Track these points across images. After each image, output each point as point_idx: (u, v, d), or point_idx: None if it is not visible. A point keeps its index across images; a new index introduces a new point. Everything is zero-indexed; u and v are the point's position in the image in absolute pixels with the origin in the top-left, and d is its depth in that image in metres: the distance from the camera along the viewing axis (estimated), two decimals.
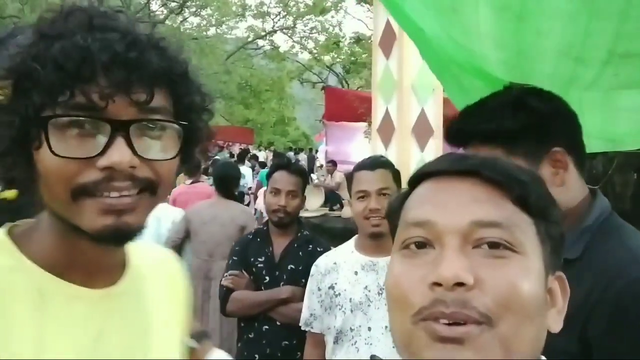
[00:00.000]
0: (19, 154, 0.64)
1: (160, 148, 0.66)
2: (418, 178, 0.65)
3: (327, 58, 20.81)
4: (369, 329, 1.88)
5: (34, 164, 0.65)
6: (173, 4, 18.60)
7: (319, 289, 1.97)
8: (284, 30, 20.31)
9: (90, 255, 0.69)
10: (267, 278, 2.27)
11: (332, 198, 8.60)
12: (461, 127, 1.20)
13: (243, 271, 2.29)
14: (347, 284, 1.93)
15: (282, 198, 2.25)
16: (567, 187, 1.14)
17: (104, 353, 0.68)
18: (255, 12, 19.46)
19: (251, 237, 2.42)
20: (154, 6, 18.96)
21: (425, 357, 0.56)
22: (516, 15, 1.38)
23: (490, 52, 1.65)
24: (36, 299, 0.65)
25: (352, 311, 1.89)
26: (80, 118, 0.62)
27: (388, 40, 3.87)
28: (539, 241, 0.59)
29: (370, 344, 1.87)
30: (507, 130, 1.13)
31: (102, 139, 0.62)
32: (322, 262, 2.00)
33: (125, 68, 0.61)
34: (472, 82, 2.08)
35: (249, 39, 19.83)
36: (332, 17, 19.96)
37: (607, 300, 0.96)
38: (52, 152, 0.61)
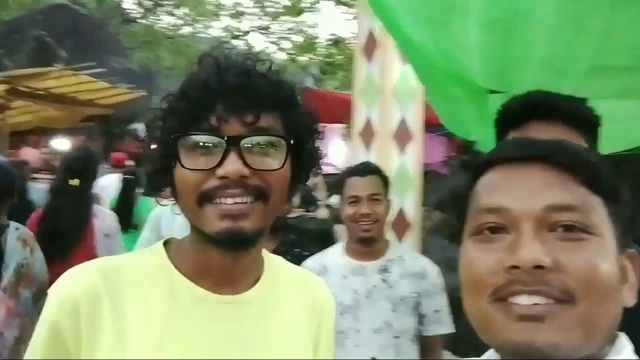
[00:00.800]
0: (163, 174, 0.80)
1: (268, 161, 0.76)
2: (484, 165, 0.66)
3: (302, 59, 20.83)
4: (358, 331, 1.92)
5: (173, 181, 0.79)
6: (147, 2, 18.38)
7: None
8: (260, 31, 20.24)
9: (219, 262, 0.79)
10: None
11: (308, 199, 8.63)
12: (546, 101, 1.18)
13: None
14: (336, 287, 1.97)
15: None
16: None
17: (216, 353, 0.77)
18: (233, 11, 19.36)
19: None
20: (128, 4, 18.70)
21: (504, 336, 0.57)
22: (504, 29, 1.44)
23: (476, 63, 1.71)
24: (167, 296, 0.77)
25: (341, 314, 1.94)
26: (201, 136, 0.75)
27: (370, 46, 3.91)
28: (611, 222, 0.60)
29: (359, 346, 1.92)
30: (587, 116, 1.17)
31: (219, 154, 0.75)
32: (311, 265, 2.03)
33: (236, 95, 0.75)
34: (454, 89, 2.14)
35: (224, 39, 19.72)
36: (309, 18, 19.96)
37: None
38: (182, 165, 0.75)
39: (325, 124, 11.77)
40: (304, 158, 0.82)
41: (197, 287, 0.79)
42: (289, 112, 0.79)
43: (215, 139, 0.75)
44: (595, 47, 1.43)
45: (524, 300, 0.56)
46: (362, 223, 1.93)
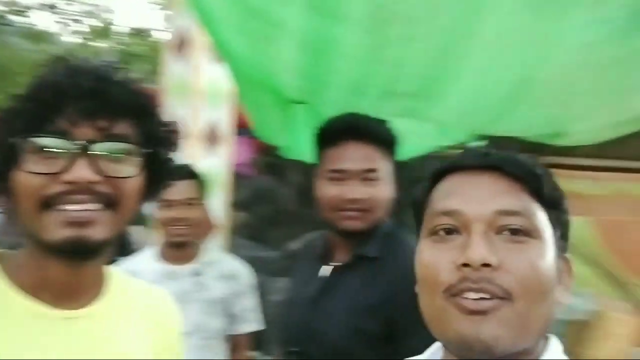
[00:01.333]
0: (1, 178, 0.74)
1: (121, 168, 0.74)
2: (441, 173, 0.72)
3: (96, 44, 19.18)
4: None
5: (12, 186, 0.73)
6: None
7: None
8: (45, 9, 18.07)
9: (59, 274, 0.74)
10: None
11: None
12: (360, 124, 1.34)
13: None
14: None
15: None
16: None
17: None
18: None
19: None
20: None
21: (453, 328, 0.62)
22: (317, 51, 1.60)
23: (289, 77, 1.85)
24: (3, 318, 0.72)
25: None
26: (48, 139, 0.71)
27: (182, 44, 3.85)
28: (551, 227, 0.66)
29: None
30: (391, 140, 1.36)
31: (67, 158, 0.71)
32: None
33: (89, 99, 0.72)
34: (265, 97, 2.27)
35: (2, 13, 17.15)
36: (104, 2, 18.44)
37: (404, 289, 1.19)
38: (23, 169, 0.70)
39: None
40: (159, 169, 0.81)
41: (34, 303, 0.74)
42: (145, 121, 0.78)
43: (64, 143, 0.71)
44: (388, 75, 1.67)
45: (472, 296, 0.62)
46: (174, 227, 1.92)
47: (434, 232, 0.68)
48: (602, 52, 1.60)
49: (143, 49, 17.21)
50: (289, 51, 1.61)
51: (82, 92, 0.72)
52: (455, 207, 0.66)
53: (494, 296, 0.61)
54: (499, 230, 0.64)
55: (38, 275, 0.75)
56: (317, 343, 1.29)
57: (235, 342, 2.09)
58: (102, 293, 0.81)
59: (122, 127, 0.75)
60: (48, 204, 0.71)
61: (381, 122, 1.36)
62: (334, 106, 2.23)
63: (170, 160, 0.84)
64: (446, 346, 0.67)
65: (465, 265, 0.62)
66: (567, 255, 0.70)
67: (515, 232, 0.64)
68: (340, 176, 1.31)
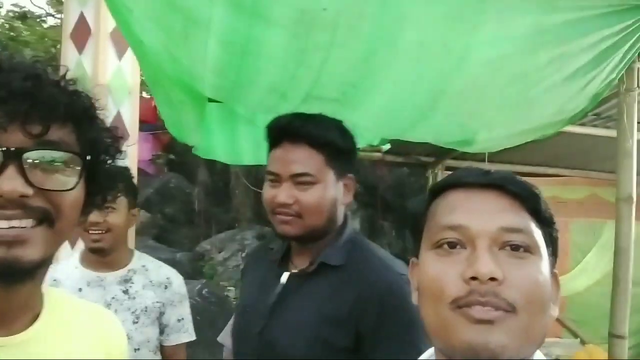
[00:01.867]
0: None
1: (58, 179, 0.66)
2: (442, 188, 0.74)
3: None
4: None
5: None
6: None
7: None
8: None
9: None
10: None
11: None
12: (295, 125, 1.27)
13: None
14: None
15: None
16: (346, 207, 1.34)
17: None
18: None
19: None
20: None
21: (461, 337, 0.64)
22: (239, 51, 1.56)
23: (209, 77, 1.79)
24: None
25: None
26: None
27: (81, 34, 3.60)
28: (547, 245, 0.70)
29: None
30: (335, 144, 1.27)
31: None
32: None
33: (20, 101, 0.63)
34: (179, 95, 2.19)
35: None
36: None
37: (372, 300, 1.18)
38: None
39: None
40: (101, 178, 0.73)
41: None
42: (85, 126, 0.70)
43: None
44: (312, 79, 1.68)
45: (478, 308, 0.64)
46: (92, 232, 1.79)
47: (438, 246, 0.70)
48: (507, 67, 1.73)
49: (29, 35, 15.94)
50: (210, 49, 1.56)
51: (11, 92, 0.64)
52: (461, 222, 0.69)
53: (499, 308, 0.64)
54: (502, 246, 0.67)
55: None
56: (274, 353, 1.23)
57: (168, 353, 1.97)
58: (39, 316, 0.73)
59: (60, 133, 0.67)
60: None
61: (325, 124, 1.29)
62: (254, 107, 2.20)
63: (114, 168, 0.77)
64: (450, 356, 0.68)
65: (473, 278, 0.65)
66: (556, 271, 0.73)
67: (516, 248, 0.67)
68: (275, 178, 1.26)
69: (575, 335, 4.09)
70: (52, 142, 0.66)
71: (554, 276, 0.72)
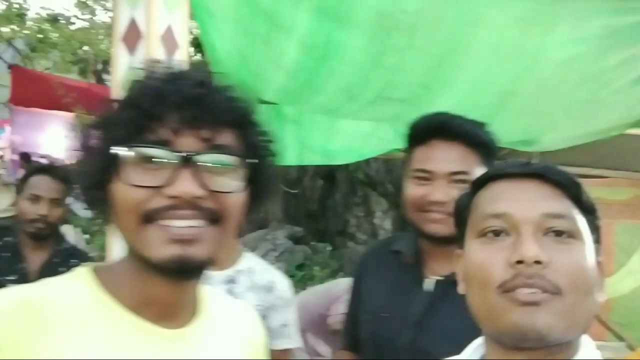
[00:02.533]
0: (99, 189, 0.69)
1: (226, 182, 0.69)
2: (485, 180, 0.76)
3: (4, 30, 17.81)
4: None
5: (111, 198, 0.68)
6: None
7: None
8: None
9: (162, 292, 0.70)
10: None
11: None
12: (453, 123, 1.25)
13: None
14: None
15: (43, 206, 1.95)
16: None
17: None
18: None
19: None
20: None
21: (509, 320, 0.66)
22: (319, 55, 1.60)
23: (279, 79, 1.83)
24: (108, 332, 0.67)
25: None
26: (150, 149, 0.66)
27: (133, 37, 3.69)
28: (590, 232, 0.71)
29: None
30: (490, 145, 1.27)
31: (169, 170, 0.66)
32: None
33: (193, 107, 0.67)
34: None
35: None
36: None
37: None
38: (124, 181, 0.66)
39: (41, 109, 10.28)
40: (263, 180, 0.75)
41: (141, 321, 0.69)
42: (247, 130, 0.73)
43: (167, 154, 0.66)
44: (386, 81, 1.70)
45: (525, 291, 0.66)
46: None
47: (482, 234, 0.72)
48: (578, 69, 1.73)
49: (58, 37, 16.23)
50: (289, 52, 1.60)
51: (185, 99, 0.67)
52: (504, 209, 0.71)
53: (545, 291, 0.66)
54: (545, 232, 0.69)
55: (139, 291, 0.71)
56: None
57: (273, 358, 1.93)
58: (198, 311, 0.77)
59: (226, 137, 0.70)
60: (150, 218, 0.66)
61: (477, 124, 1.27)
62: (315, 108, 2.24)
63: (274, 170, 0.78)
64: (499, 339, 0.70)
65: (519, 262, 0.67)
66: (602, 260, 0.74)
67: (559, 233, 0.69)
68: (427, 176, 1.22)
69: (621, 338, 4.03)
70: (220, 146, 0.69)
71: (599, 264, 0.73)
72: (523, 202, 0.71)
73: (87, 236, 7.30)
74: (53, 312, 0.66)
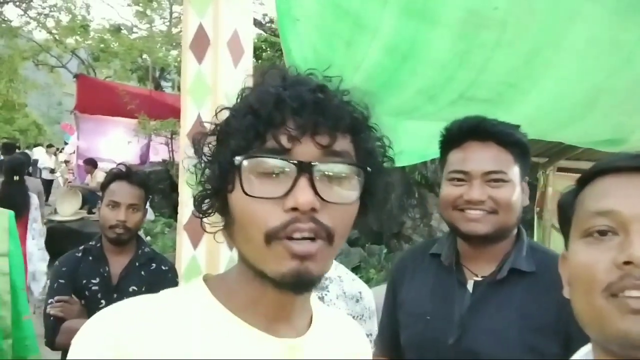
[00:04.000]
0: (216, 198, 0.69)
1: (341, 192, 0.66)
2: (591, 175, 0.70)
3: (69, 41, 18.67)
4: None
5: (229, 208, 0.68)
6: None
7: None
8: (16, 3, 17.53)
9: (277, 303, 0.70)
10: (104, 302, 1.98)
11: (91, 200, 7.82)
12: (486, 125, 1.26)
13: (73, 296, 1.97)
14: None
15: (121, 212, 2.02)
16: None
17: None
18: None
19: (80, 254, 2.06)
20: None
21: (618, 327, 0.61)
22: (402, 56, 1.57)
23: (359, 80, 1.81)
24: (228, 341, 0.67)
25: None
26: (268, 158, 0.64)
27: (201, 44, 3.77)
28: None
29: None
30: (523, 144, 1.27)
31: (288, 180, 0.64)
32: None
33: (311, 112, 0.65)
34: None
35: None
36: None
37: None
38: (244, 192, 0.64)
39: (104, 116, 10.72)
40: (377, 190, 0.72)
41: (253, 329, 0.68)
42: (362, 136, 0.69)
43: (287, 164, 0.64)
44: (470, 80, 1.65)
45: (634, 294, 0.61)
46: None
47: (588, 234, 0.67)
48: None
49: (118, 46, 16.87)
50: (371, 54, 1.58)
51: (304, 104, 0.64)
52: (611, 207, 0.65)
53: None
54: None
55: (252, 301, 0.70)
56: None
57: None
58: (312, 322, 0.76)
59: (342, 144, 0.67)
60: (272, 236, 0.64)
61: (511, 126, 1.29)
62: (388, 111, 2.20)
63: (388, 179, 0.75)
64: (606, 346, 0.66)
65: (627, 263, 0.61)
66: None
67: None
68: (463, 177, 1.25)
69: None
70: (337, 152, 0.66)
71: None
72: (632, 198, 0.65)
73: (148, 238, 7.55)
74: (171, 321, 0.66)
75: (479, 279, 1.27)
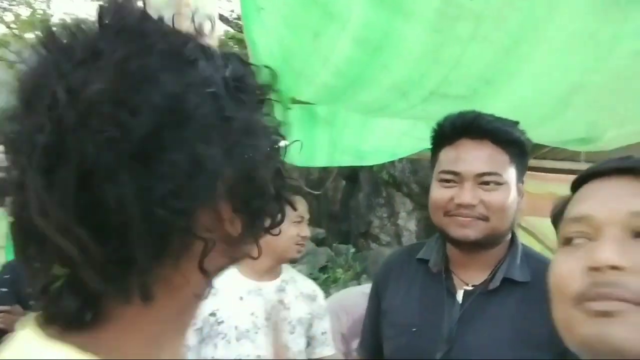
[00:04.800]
0: None
1: None
2: (580, 181, 0.68)
3: (29, 36, 17.97)
4: (258, 356, 1.76)
5: None
6: None
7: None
8: None
9: None
10: None
11: None
12: (482, 121, 1.19)
13: (17, 305, 1.83)
14: (231, 310, 1.77)
15: None
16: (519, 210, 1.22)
17: None
18: None
19: None
20: None
21: (579, 332, 0.59)
22: (373, 49, 1.47)
23: (323, 77, 1.71)
24: None
25: (237, 340, 1.76)
26: None
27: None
28: None
29: None
30: (521, 143, 1.20)
31: None
32: None
33: None
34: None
35: None
36: None
37: None
38: None
39: None
40: None
41: None
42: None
43: None
44: (444, 76, 1.57)
45: (597, 306, 0.58)
46: (299, 244, 1.89)
47: (566, 242, 0.65)
48: None
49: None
50: (340, 47, 1.48)
51: None
52: (586, 212, 0.63)
53: (623, 300, 0.57)
54: (637, 234, 0.60)
55: None
56: None
57: None
58: None
59: None
60: None
61: (509, 123, 1.21)
62: (358, 108, 2.11)
63: None
64: (578, 354, 0.63)
65: (594, 268, 0.59)
66: None
67: None
68: (454, 178, 1.17)
69: None
70: None
71: None
72: (607, 201, 0.62)
73: None
74: None
75: (470, 288, 1.18)
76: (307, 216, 1.92)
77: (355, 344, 2.75)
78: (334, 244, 8.90)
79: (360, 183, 8.84)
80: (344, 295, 3.08)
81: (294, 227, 1.87)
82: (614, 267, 0.58)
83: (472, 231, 1.14)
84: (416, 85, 1.63)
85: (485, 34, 1.41)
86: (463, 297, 1.18)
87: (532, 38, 1.44)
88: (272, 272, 1.90)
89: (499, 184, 1.15)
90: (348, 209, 9.07)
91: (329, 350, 2.00)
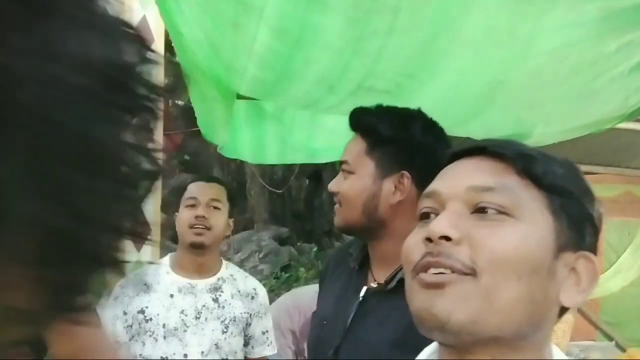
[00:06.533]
0: None
1: None
2: (444, 165, 0.70)
3: None
4: (185, 356, 1.74)
5: None
6: None
7: (125, 313, 1.76)
8: None
9: None
10: None
11: None
12: (355, 111, 1.25)
13: None
14: (161, 307, 1.75)
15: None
16: (402, 206, 1.15)
17: None
18: None
19: None
20: None
21: (413, 304, 0.60)
22: (292, 40, 1.46)
23: (252, 70, 1.69)
24: None
25: (164, 338, 1.73)
26: None
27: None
28: (551, 214, 0.61)
29: None
30: (377, 131, 1.20)
31: None
32: (129, 283, 1.75)
33: None
34: (212, 92, 2.09)
35: None
36: None
37: None
38: None
39: None
40: None
41: None
42: None
43: None
44: (366, 69, 1.57)
45: (432, 271, 0.59)
46: (196, 226, 1.81)
47: (421, 217, 0.67)
48: (572, 56, 1.61)
49: None
50: (260, 38, 1.46)
51: None
52: (433, 188, 0.66)
53: (454, 271, 0.58)
54: (475, 209, 0.61)
55: None
56: None
57: None
58: None
59: None
60: None
61: (385, 112, 1.28)
62: (294, 102, 2.10)
63: None
64: (422, 333, 0.63)
65: (428, 239, 0.61)
66: (585, 252, 0.62)
67: (489, 209, 0.61)
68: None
69: (610, 338, 3.95)
70: None
71: (584, 258, 0.61)
72: (453, 177, 0.65)
73: None
74: None
75: (375, 285, 1.16)
76: (204, 198, 1.85)
77: (301, 339, 2.74)
78: (298, 243, 8.88)
79: (324, 181, 8.84)
80: (297, 294, 3.07)
81: (187, 211, 1.84)
82: (444, 237, 0.59)
83: (336, 219, 1.20)
84: (341, 79, 1.63)
85: (403, 27, 1.42)
86: (364, 294, 1.16)
87: (448, 33, 1.44)
88: (205, 269, 1.86)
89: (350, 172, 1.18)
90: (312, 208, 9.07)
91: (269, 350, 1.97)
